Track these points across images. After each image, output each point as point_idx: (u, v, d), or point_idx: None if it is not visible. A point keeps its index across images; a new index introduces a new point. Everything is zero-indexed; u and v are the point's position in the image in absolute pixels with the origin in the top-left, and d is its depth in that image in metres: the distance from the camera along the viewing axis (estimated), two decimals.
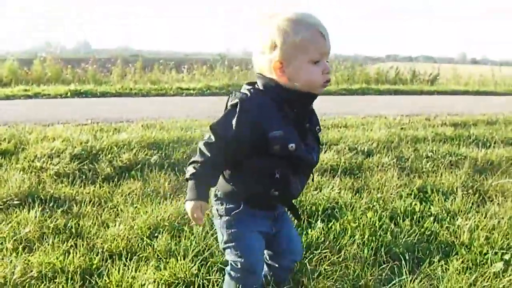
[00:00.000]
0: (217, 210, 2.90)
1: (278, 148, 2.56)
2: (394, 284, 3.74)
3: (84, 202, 5.23)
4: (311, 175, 2.97)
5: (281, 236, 3.08)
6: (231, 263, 3.00)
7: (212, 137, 2.62)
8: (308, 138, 2.77)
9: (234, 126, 2.54)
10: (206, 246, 4.14)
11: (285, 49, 2.57)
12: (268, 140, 2.56)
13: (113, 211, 5.05)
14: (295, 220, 3.36)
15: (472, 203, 5.58)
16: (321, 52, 2.67)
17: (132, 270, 3.75)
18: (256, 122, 2.54)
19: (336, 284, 3.73)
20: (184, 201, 2.80)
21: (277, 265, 3.27)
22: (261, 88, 2.67)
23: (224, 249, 2.99)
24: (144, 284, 3.58)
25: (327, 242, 4.34)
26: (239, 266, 2.93)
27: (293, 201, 3.10)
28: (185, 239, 4.28)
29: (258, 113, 2.56)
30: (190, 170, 2.67)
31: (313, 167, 2.88)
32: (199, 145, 2.66)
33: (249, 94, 2.62)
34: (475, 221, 4.92)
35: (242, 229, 2.85)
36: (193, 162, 2.67)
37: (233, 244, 2.90)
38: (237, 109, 2.55)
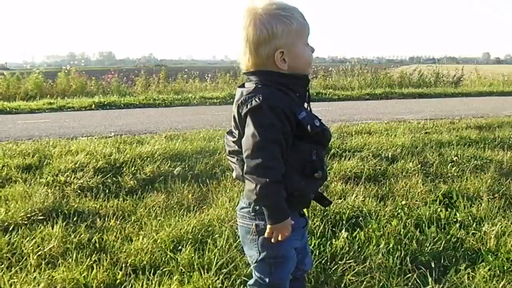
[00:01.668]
0: (256, 226, 2.78)
1: (309, 127, 2.56)
2: None
3: (108, 216, 5.24)
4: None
5: (300, 248, 3.03)
6: (257, 279, 2.94)
7: (265, 154, 2.50)
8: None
9: (272, 123, 2.49)
10: (230, 258, 4.12)
11: (286, 37, 2.57)
12: (301, 123, 2.55)
13: (136, 224, 5.06)
14: (325, 206, 3.26)
15: (499, 208, 5.51)
16: (308, 33, 2.71)
17: (155, 285, 3.74)
18: (285, 109, 2.52)
19: None
20: (272, 225, 2.61)
21: (291, 276, 3.21)
22: (261, 82, 2.63)
23: (256, 265, 2.91)
24: None
25: (352, 252, 4.31)
26: (267, 282, 2.88)
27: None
28: (208, 251, 4.26)
29: (280, 102, 2.53)
30: (266, 195, 2.54)
31: (330, 140, 2.85)
32: (256, 170, 2.52)
33: (260, 92, 2.56)
34: (501, 227, 4.86)
35: (284, 247, 2.78)
36: (264, 186, 2.51)
37: (271, 261, 2.83)
38: (264, 108, 2.50)
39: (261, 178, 2.49)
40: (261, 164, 2.48)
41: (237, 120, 2.64)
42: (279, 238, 2.62)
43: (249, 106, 2.52)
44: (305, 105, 2.75)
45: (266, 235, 2.62)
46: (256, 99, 2.50)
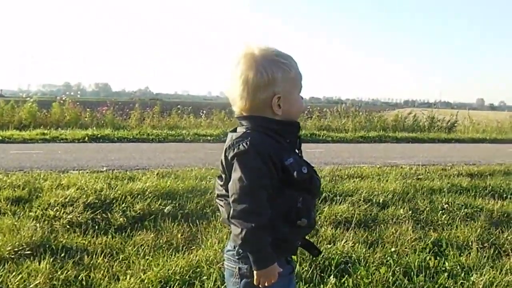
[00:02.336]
0: (239, 269, 2.73)
1: (296, 174, 2.53)
2: None
3: (96, 253, 5.21)
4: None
5: None
6: None
7: (251, 199, 2.48)
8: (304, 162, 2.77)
9: (259, 168, 2.48)
10: None
11: (284, 84, 2.58)
12: (287, 169, 2.53)
13: (124, 263, 5.03)
14: (314, 256, 3.24)
15: (487, 258, 5.51)
16: (301, 83, 2.74)
17: None
18: (271, 155, 2.50)
19: None
20: (257, 271, 2.56)
21: None
22: (252, 127, 2.61)
23: None
24: None
25: None
26: None
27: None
28: None
29: (269, 148, 2.52)
30: (251, 240, 2.52)
31: (320, 189, 2.85)
32: (242, 215, 2.50)
33: (249, 136, 2.54)
34: (490, 277, 4.87)
35: None
36: (249, 231, 2.48)
37: None
38: (251, 152, 2.49)
39: (247, 223, 2.48)
40: (247, 209, 2.47)
41: (224, 164, 2.64)
42: (266, 284, 2.60)
43: (236, 150, 2.52)
44: (296, 151, 2.74)
45: (255, 282, 2.60)
46: (244, 144, 2.50)
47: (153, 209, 6.77)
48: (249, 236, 2.49)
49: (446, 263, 5.28)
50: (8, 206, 6.68)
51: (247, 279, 2.68)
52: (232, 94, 2.65)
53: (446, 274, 4.99)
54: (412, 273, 4.97)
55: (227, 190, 2.60)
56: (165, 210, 6.75)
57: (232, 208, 2.53)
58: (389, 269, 4.94)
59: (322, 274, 4.82)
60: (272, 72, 2.55)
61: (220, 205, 2.77)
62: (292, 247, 2.81)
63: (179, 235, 5.87)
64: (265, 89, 2.57)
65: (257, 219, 2.48)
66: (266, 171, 2.49)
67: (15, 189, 7.48)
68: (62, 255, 5.15)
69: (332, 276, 4.74)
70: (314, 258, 5.01)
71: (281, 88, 2.58)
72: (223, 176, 2.70)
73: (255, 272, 2.58)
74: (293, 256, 3.01)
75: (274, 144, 2.55)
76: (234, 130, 2.71)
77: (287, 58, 2.64)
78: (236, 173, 2.52)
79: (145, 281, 4.48)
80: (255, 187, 2.48)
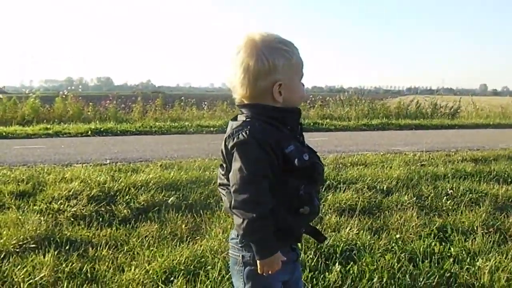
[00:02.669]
0: (242, 257, 2.74)
1: (297, 161, 2.52)
2: None
3: (100, 245, 5.21)
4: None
5: (291, 281, 2.99)
6: None
7: (252, 189, 2.49)
8: (306, 148, 2.75)
9: (259, 157, 2.48)
10: None
11: (285, 71, 2.57)
12: (287, 156, 2.52)
13: (129, 254, 5.03)
14: (320, 242, 3.22)
15: (493, 243, 5.49)
16: (303, 70, 2.73)
17: None
18: (272, 143, 2.49)
19: None
20: (260, 260, 2.58)
21: None
22: (252, 115, 2.61)
23: None
24: None
25: (345, 286, 4.29)
26: None
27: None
28: (200, 283, 4.24)
29: (267, 136, 2.50)
30: (253, 230, 2.53)
31: (323, 174, 2.83)
32: (243, 205, 2.50)
33: (248, 125, 2.54)
34: (495, 262, 4.84)
35: (269, 280, 2.71)
36: (251, 221, 2.50)
37: None
38: (250, 142, 2.48)
39: (249, 213, 2.47)
40: (248, 199, 2.47)
41: (224, 153, 2.63)
42: (270, 273, 2.59)
43: (235, 140, 2.51)
44: (298, 137, 2.73)
45: (259, 271, 2.60)
46: (243, 133, 2.49)
47: (157, 201, 6.78)
48: (250, 226, 2.50)
49: (451, 249, 5.25)
50: (12, 201, 6.69)
51: (251, 267, 2.67)
52: (233, 81, 2.64)
53: (451, 259, 4.96)
54: (417, 259, 4.95)
55: (228, 179, 2.59)
56: (169, 201, 6.76)
57: (233, 199, 2.53)
58: (394, 256, 4.93)
59: (327, 262, 4.81)
60: (273, 59, 2.54)
61: (222, 194, 2.76)
62: (296, 234, 2.79)
63: (183, 226, 5.86)
64: (266, 76, 2.55)
65: (258, 209, 2.48)
66: (266, 160, 2.48)
67: (19, 183, 7.50)
68: (67, 247, 5.15)
69: (337, 264, 4.72)
70: (319, 246, 5.00)
71: (282, 75, 2.57)
72: (224, 165, 2.69)
73: (258, 261, 2.58)
74: (298, 243, 2.99)
75: (275, 132, 2.54)
76: (235, 118, 2.69)
77: (289, 45, 2.62)
78: (236, 163, 2.51)
79: (150, 272, 4.47)
80: (256, 176, 2.48)
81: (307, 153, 2.59)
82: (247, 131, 2.49)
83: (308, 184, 2.63)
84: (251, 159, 2.48)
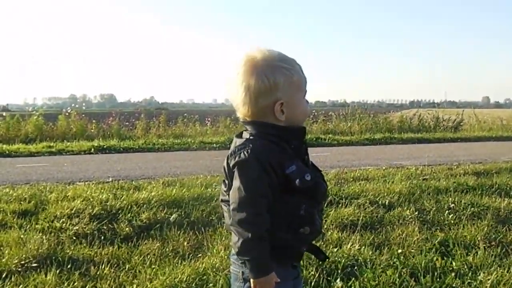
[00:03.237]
0: (242, 273, 2.72)
1: (299, 182, 2.51)
2: None
3: (102, 264, 5.21)
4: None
5: None
6: None
7: (250, 209, 2.49)
8: (310, 168, 2.74)
9: (259, 177, 2.47)
10: None
11: (286, 89, 2.56)
12: (288, 177, 2.51)
13: (131, 272, 5.03)
14: (321, 260, 3.21)
15: (495, 256, 5.48)
16: (306, 87, 2.71)
17: None
18: (272, 163, 2.49)
19: None
20: (254, 280, 2.57)
21: None
22: (256, 133, 2.61)
23: None
24: None
25: None
26: None
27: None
28: None
29: (269, 155, 2.50)
30: (248, 250, 2.53)
31: (326, 193, 2.82)
32: (240, 224, 2.50)
33: (251, 144, 2.54)
34: (497, 276, 4.84)
35: None
36: (246, 241, 2.50)
37: None
38: (251, 161, 2.48)
39: (244, 233, 2.48)
40: (245, 219, 2.47)
41: (226, 171, 2.63)
42: None
43: (237, 159, 2.51)
44: (302, 156, 2.73)
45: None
46: (245, 152, 2.49)
47: (159, 218, 6.77)
48: (245, 245, 2.50)
49: (453, 263, 5.25)
50: (14, 220, 6.68)
51: (250, 283, 2.68)
52: (235, 100, 2.64)
53: (453, 274, 4.96)
54: (419, 274, 4.94)
55: (229, 196, 2.60)
56: (171, 219, 6.75)
57: (231, 217, 2.54)
58: (395, 271, 4.93)
59: (329, 278, 4.81)
60: (274, 78, 2.53)
61: (224, 210, 2.77)
62: (296, 254, 2.79)
63: (185, 243, 5.87)
64: (267, 95, 2.55)
65: (254, 229, 2.48)
66: (266, 180, 2.48)
67: (21, 202, 7.50)
68: (69, 266, 5.15)
69: (338, 280, 4.72)
70: (320, 262, 5.00)
71: (283, 93, 2.56)
72: (227, 182, 2.68)
73: (251, 280, 2.59)
74: (298, 262, 2.98)
75: (277, 151, 2.54)
76: (240, 135, 2.70)
77: (290, 62, 2.61)
78: (236, 182, 2.52)
79: None
80: (254, 197, 2.48)
81: (310, 173, 2.57)
82: (249, 150, 2.49)
83: (309, 204, 2.62)
84: (250, 179, 2.48)
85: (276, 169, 2.50)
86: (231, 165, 2.56)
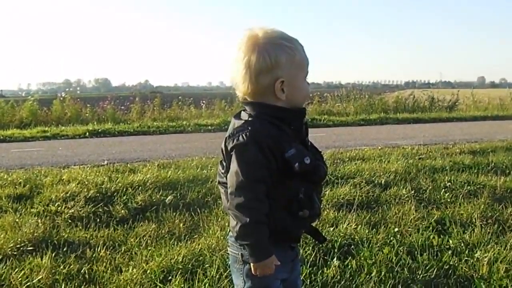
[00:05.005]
0: (242, 255, 2.71)
1: (298, 165, 2.48)
2: None
3: (98, 246, 5.20)
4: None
5: (290, 279, 2.98)
6: None
7: (248, 193, 2.47)
8: (310, 150, 2.72)
9: (257, 161, 2.45)
10: None
11: (288, 68, 2.54)
12: (287, 161, 2.49)
13: (127, 254, 5.02)
14: (320, 242, 3.19)
15: (491, 234, 5.48)
16: (308, 68, 2.68)
17: None
18: (271, 147, 2.47)
19: None
20: (254, 263, 2.57)
21: None
22: (255, 114, 2.59)
23: None
24: None
25: (343, 281, 4.29)
26: None
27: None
28: (198, 282, 4.23)
29: (268, 139, 2.47)
30: (247, 234, 2.51)
31: (326, 175, 2.80)
32: (238, 209, 2.49)
33: (250, 126, 2.51)
34: (494, 253, 4.83)
35: (268, 279, 2.68)
36: (245, 226, 2.48)
37: None
38: (249, 145, 2.46)
39: (243, 217, 2.46)
40: (243, 203, 2.45)
41: (223, 152, 2.61)
42: (261, 275, 2.58)
43: (235, 142, 2.49)
44: (302, 138, 2.71)
45: (252, 271, 2.59)
46: (243, 135, 2.47)
47: (154, 200, 6.76)
48: (244, 230, 2.48)
49: (450, 241, 5.24)
50: (9, 204, 6.68)
51: (250, 266, 2.65)
52: (235, 78, 2.62)
53: (450, 251, 4.95)
54: (416, 252, 4.94)
55: (227, 179, 2.58)
56: (167, 201, 6.75)
57: (229, 201, 2.52)
58: (392, 249, 4.92)
59: (326, 257, 4.80)
60: (276, 56, 2.51)
61: (221, 192, 2.75)
62: (295, 236, 2.79)
63: (181, 225, 5.85)
64: (268, 73, 2.53)
65: (252, 213, 2.46)
66: (265, 164, 2.46)
67: (16, 186, 7.49)
68: (64, 249, 5.14)
69: (335, 259, 4.71)
70: (317, 242, 4.99)
71: (284, 72, 2.53)
72: (225, 163, 2.66)
73: (251, 264, 2.58)
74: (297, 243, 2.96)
75: (276, 133, 2.51)
76: (238, 116, 2.67)
77: (292, 41, 2.58)
78: (234, 166, 2.50)
79: (148, 271, 4.46)
80: (252, 181, 2.46)
81: (309, 156, 2.55)
82: (247, 133, 2.47)
83: (308, 187, 2.61)
84: (248, 163, 2.47)
85: (275, 152, 2.48)
86: (229, 148, 2.54)
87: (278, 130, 2.53)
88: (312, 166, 2.55)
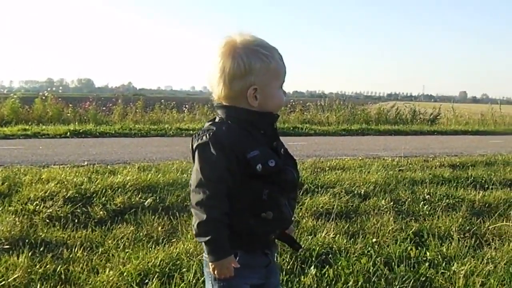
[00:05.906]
0: None
1: (260, 167, 2.50)
2: None
3: (75, 247, 5.17)
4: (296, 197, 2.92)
5: (267, 287, 2.97)
6: None
7: (207, 191, 2.49)
8: (280, 156, 2.71)
9: (217, 161, 2.47)
10: None
11: (262, 75, 2.55)
12: (249, 162, 2.51)
13: (104, 256, 4.99)
14: (295, 250, 3.20)
15: (469, 247, 5.51)
16: (284, 76, 2.70)
17: None
18: (233, 148, 2.49)
19: None
20: (211, 262, 2.59)
21: None
22: (225, 117, 2.61)
23: None
24: None
25: None
26: None
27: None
28: (175, 286, 4.22)
29: (231, 140, 2.50)
30: (204, 232, 2.53)
31: (296, 183, 2.80)
32: (197, 206, 2.51)
33: (214, 127, 2.55)
34: (471, 266, 4.86)
35: (235, 283, 2.68)
36: (202, 223, 2.50)
37: None
38: (211, 145, 2.48)
39: (201, 214, 2.48)
40: (202, 201, 2.48)
41: (191, 152, 2.62)
42: (221, 277, 2.60)
43: (198, 141, 2.53)
44: (271, 142, 2.71)
45: (211, 271, 2.61)
46: (207, 135, 2.51)
47: (133, 203, 6.74)
48: (201, 227, 2.51)
49: (427, 253, 5.27)
50: None
51: None
52: (211, 81, 2.64)
53: (427, 264, 4.98)
54: (393, 263, 4.95)
55: None
56: (146, 203, 6.72)
57: (190, 198, 2.56)
58: (370, 260, 4.93)
59: (303, 265, 4.81)
60: (250, 63, 2.52)
61: None
62: (264, 240, 2.77)
63: (159, 228, 5.84)
64: (242, 79, 2.54)
65: (210, 211, 2.48)
66: (225, 164, 2.48)
67: None
68: (41, 249, 5.10)
69: (312, 267, 4.72)
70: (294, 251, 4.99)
71: (258, 79, 2.55)
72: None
73: (209, 263, 2.60)
74: (269, 249, 2.95)
75: (242, 136, 2.54)
76: (213, 120, 2.69)
77: (270, 50, 2.59)
78: (196, 164, 2.54)
79: (125, 274, 4.44)
80: (211, 179, 2.48)
81: (276, 159, 2.56)
82: (211, 133, 2.50)
83: (274, 190, 2.61)
84: (208, 161, 2.49)
85: (238, 153, 2.50)
86: (194, 147, 2.57)
87: (245, 132, 2.56)
88: (276, 169, 2.56)
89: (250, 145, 2.53)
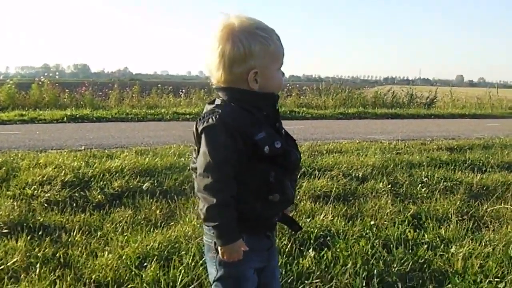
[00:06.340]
0: (215, 244, 2.66)
1: (268, 149, 2.50)
2: None
3: (74, 231, 5.17)
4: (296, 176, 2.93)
5: (267, 270, 2.97)
6: None
7: (214, 174, 2.46)
8: (282, 137, 2.72)
9: (224, 143, 2.46)
10: (196, 276, 4.08)
11: (262, 58, 2.54)
12: (257, 144, 2.50)
13: (102, 239, 4.99)
14: (295, 231, 3.20)
15: (467, 230, 5.52)
16: (283, 58, 2.69)
17: None
18: (240, 129, 2.47)
19: None
20: (221, 247, 2.57)
21: None
22: (227, 99, 2.60)
23: (215, 284, 2.79)
24: None
25: (319, 272, 4.28)
26: None
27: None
28: (174, 269, 4.21)
29: (238, 122, 2.48)
30: (213, 216, 2.51)
31: (299, 164, 2.80)
32: (205, 190, 2.48)
33: (220, 110, 2.52)
34: (469, 249, 4.87)
35: (241, 267, 2.69)
36: (212, 207, 2.48)
37: (228, 280, 2.74)
38: (218, 127, 2.46)
39: (210, 199, 2.46)
40: (210, 185, 2.45)
41: (195, 136, 2.60)
42: (230, 260, 2.59)
43: (204, 124, 2.49)
44: (274, 123, 2.70)
45: (220, 256, 2.59)
46: (213, 117, 2.47)
47: (131, 186, 6.73)
48: (210, 212, 2.48)
49: (426, 236, 5.28)
50: None
51: None
52: (210, 65, 2.61)
53: (425, 246, 4.98)
54: (391, 245, 4.96)
55: None
56: (144, 187, 6.72)
57: (197, 183, 2.53)
58: (368, 242, 4.94)
59: (301, 248, 4.81)
60: (249, 46, 2.50)
61: (194, 177, 2.74)
62: (268, 223, 2.79)
63: (157, 212, 5.84)
64: (241, 62, 2.52)
65: (219, 195, 2.46)
66: (233, 146, 2.46)
67: None
68: (40, 233, 5.10)
69: (311, 250, 4.72)
70: (293, 232, 4.99)
71: (258, 62, 2.53)
72: (196, 148, 2.65)
73: (218, 248, 2.58)
74: (272, 232, 2.95)
75: (247, 117, 2.52)
76: (212, 102, 2.67)
77: (268, 32, 2.57)
78: (203, 148, 2.50)
79: (123, 257, 4.44)
80: (220, 162, 2.46)
81: (280, 140, 2.56)
82: (217, 115, 2.47)
83: (279, 172, 2.60)
84: (216, 144, 2.47)
85: (244, 136, 2.48)
86: (199, 130, 2.54)
87: (248, 114, 2.54)
88: (282, 150, 2.56)
89: (256, 127, 2.52)
